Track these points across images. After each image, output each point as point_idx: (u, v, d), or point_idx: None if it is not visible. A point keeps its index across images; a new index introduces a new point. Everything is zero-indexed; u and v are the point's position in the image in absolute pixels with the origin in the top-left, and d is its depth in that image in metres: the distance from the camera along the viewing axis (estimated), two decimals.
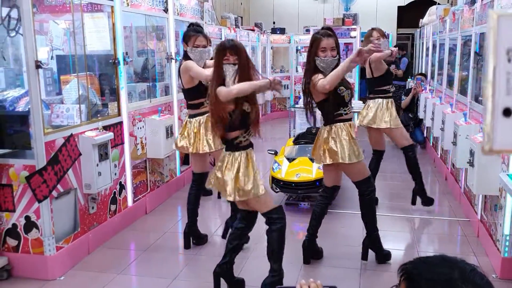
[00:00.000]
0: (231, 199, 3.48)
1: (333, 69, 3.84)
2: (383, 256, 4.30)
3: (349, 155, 3.95)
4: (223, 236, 4.78)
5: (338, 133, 3.97)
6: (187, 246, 4.66)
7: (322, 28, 4.04)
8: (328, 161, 4.01)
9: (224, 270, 3.70)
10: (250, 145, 3.55)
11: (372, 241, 4.29)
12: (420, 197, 5.73)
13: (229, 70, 3.40)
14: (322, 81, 3.77)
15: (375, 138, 5.60)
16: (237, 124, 3.43)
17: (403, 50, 11.68)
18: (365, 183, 4.16)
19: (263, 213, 3.61)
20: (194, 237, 4.72)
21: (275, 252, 3.64)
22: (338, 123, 4.00)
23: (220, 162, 3.51)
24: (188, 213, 4.68)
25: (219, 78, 3.43)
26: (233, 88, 3.33)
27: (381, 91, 5.46)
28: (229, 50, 3.42)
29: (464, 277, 1.13)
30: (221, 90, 3.36)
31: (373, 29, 5.53)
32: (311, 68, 3.93)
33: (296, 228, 5.20)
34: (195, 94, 4.48)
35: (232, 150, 3.48)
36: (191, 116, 4.53)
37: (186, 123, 4.57)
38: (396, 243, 4.91)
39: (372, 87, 5.55)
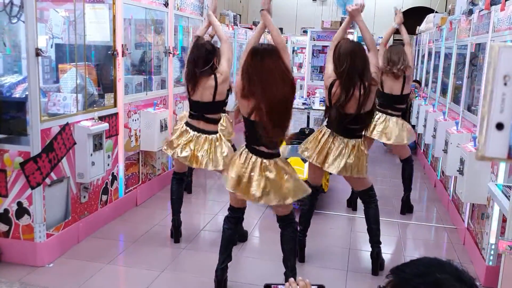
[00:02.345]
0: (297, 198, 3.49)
1: None
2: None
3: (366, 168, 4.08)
4: None
5: (364, 147, 4.10)
6: (177, 239, 4.69)
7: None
8: (349, 173, 4.02)
9: (225, 273, 3.73)
10: None
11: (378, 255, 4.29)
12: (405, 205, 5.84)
13: None
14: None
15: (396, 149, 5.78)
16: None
17: None
18: (368, 192, 4.24)
19: (287, 214, 3.65)
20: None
21: (293, 251, 3.73)
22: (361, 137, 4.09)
23: (278, 168, 3.42)
24: (176, 205, 4.69)
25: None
26: None
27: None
28: None
29: (458, 277, 1.16)
30: None
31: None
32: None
33: None
34: (223, 106, 4.60)
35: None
36: (208, 133, 4.38)
37: (194, 137, 4.36)
38: (382, 248, 4.96)
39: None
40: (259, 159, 3.39)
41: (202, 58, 4.25)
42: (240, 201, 3.67)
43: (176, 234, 4.69)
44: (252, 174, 3.38)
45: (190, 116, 4.45)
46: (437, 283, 1.15)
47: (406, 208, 5.81)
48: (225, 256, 3.69)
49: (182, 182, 4.74)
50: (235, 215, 3.73)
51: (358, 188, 4.25)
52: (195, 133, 4.35)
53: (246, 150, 3.45)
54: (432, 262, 1.23)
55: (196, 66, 4.25)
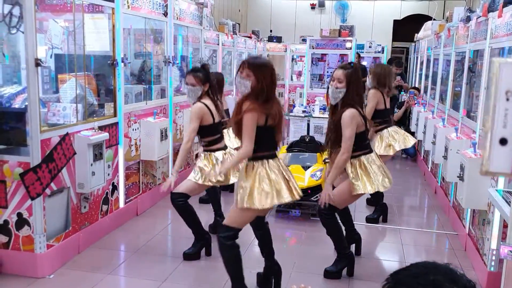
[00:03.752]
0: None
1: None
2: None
3: None
4: None
5: None
6: (209, 252, 4.65)
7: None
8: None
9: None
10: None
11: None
12: None
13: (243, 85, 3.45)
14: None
15: None
16: None
17: (398, 68, 11.72)
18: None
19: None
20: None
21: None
22: None
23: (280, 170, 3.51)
24: (199, 223, 4.61)
25: None
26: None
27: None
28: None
29: (451, 278, 1.19)
30: None
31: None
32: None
33: (287, 235, 5.24)
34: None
35: None
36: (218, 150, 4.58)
37: (211, 156, 4.53)
38: (384, 254, 4.96)
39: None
40: (277, 160, 3.52)
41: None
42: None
43: (208, 248, 4.64)
44: (288, 175, 3.53)
45: (214, 141, 4.55)
46: (431, 283, 1.18)
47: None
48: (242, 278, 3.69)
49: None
50: (237, 236, 3.66)
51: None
52: (225, 151, 4.58)
53: (263, 162, 3.45)
54: (428, 264, 1.27)
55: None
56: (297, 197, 3.52)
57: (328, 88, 4.11)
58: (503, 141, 0.81)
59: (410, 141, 5.69)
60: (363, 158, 4.11)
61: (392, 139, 5.53)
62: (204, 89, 4.52)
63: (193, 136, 4.44)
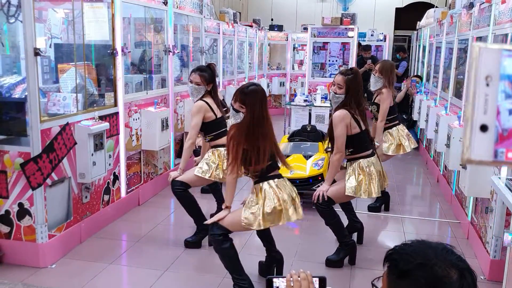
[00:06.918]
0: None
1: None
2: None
3: None
4: None
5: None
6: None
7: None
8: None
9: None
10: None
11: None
12: None
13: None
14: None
15: None
16: None
17: (404, 53, 11.62)
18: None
19: None
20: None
21: None
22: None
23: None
24: (200, 211, 4.63)
25: None
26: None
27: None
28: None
29: (437, 254, 1.31)
30: None
31: None
32: None
33: (290, 224, 5.22)
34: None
35: None
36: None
37: (218, 151, 4.55)
38: (386, 243, 4.95)
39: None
40: (282, 180, 3.54)
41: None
42: None
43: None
44: (294, 194, 3.54)
45: (219, 135, 4.55)
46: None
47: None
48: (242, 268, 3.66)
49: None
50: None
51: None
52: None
53: (269, 182, 3.47)
54: (421, 246, 1.38)
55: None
56: (301, 217, 3.55)
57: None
58: (483, 128, 0.80)
59: (413, 143, 5.76)
60: (362, 162, 4.14)
61: (402, 139, 5.58)
62: (207, 89, 4.57)
63: (193, 133, 4.47)
